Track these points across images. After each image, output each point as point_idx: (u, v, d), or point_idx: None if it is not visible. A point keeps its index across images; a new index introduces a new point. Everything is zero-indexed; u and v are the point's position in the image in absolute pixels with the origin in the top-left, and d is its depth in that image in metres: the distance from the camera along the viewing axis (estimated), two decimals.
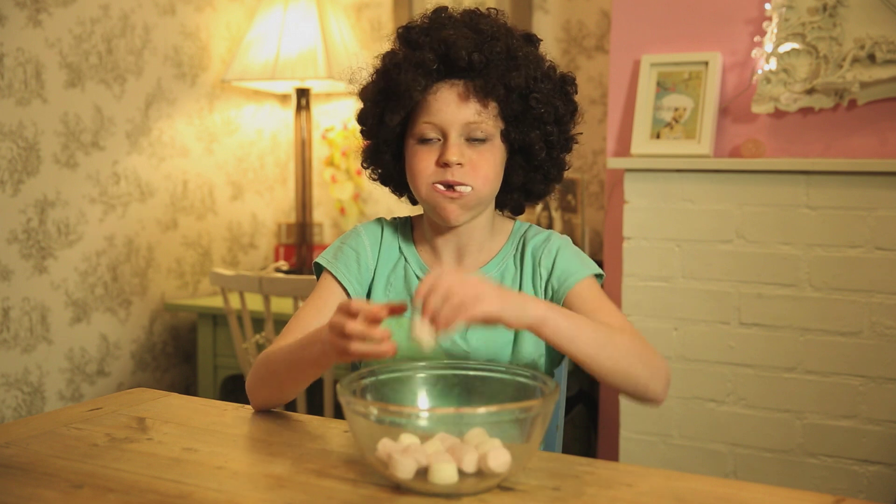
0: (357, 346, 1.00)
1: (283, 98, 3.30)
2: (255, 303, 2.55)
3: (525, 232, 1.30)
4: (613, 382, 1.10)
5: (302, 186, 3.04)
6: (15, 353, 2.37)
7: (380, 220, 1.34)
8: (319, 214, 3.31)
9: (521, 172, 1.25)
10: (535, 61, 1.21)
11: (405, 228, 1.33)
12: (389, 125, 1.21)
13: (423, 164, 1.20)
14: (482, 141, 1.19)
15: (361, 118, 1.27)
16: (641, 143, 2.24)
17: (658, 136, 2.24)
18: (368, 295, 1.30)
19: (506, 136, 1.22)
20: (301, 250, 3.08)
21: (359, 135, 1.31)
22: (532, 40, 1.24)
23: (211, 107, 2.98)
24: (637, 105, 2.27)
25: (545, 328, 1.04)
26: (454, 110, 1.19)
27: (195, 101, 2.92)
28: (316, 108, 3.25)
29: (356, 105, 1.29)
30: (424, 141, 1.20)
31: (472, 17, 1.21)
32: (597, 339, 1.07)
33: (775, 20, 2.14)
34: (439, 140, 1.20)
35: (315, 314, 1.25)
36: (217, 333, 2.73)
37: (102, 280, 2.61)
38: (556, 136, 1.23)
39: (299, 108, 3.01)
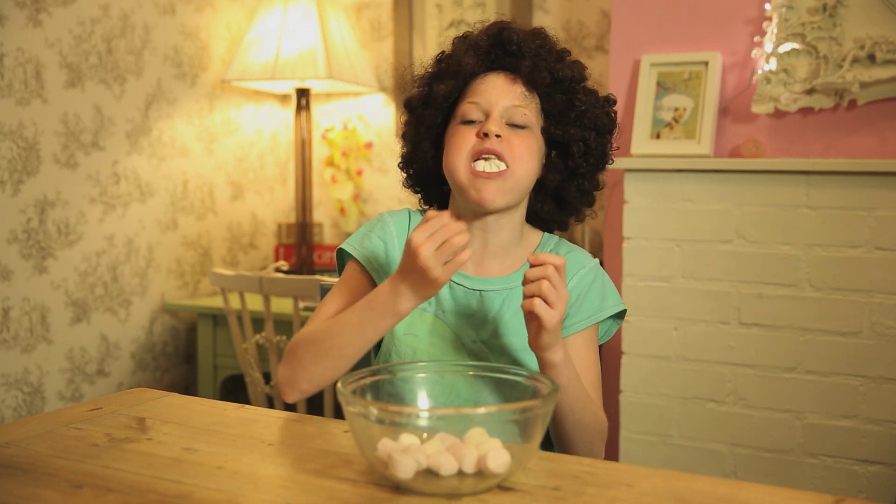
0: (460, 238, 1.05)
1: (283, 98, 3.30)
2: (255, 303, 2.55)
3: (556, 246, 1.31)
4: (557, 435, 1.19)
5: (302, 186, 3.04)
6: (15, 353, 2.37)
7: (407, 211, 1.35)
8: (319, 214, 3.31)
9: (556, 174, 1.26)
10: (581, 72, 1.26)
11: None
12: (436, 96, 1.25)
13: (464, 140, 1.22)
14: (522, 127, 1.22)
15: (408, 102, 1.30)
16: (641, 143, 2.24)
17: (658, 136, 2.24)
18: None
19: (546, 132, 1.25)
20: (301, 250, 3.08)
21: (399, 138, 1.34)
22: (580, 64, 1.28)
23: (211, 107, 2.98)
24: (637, 105, 2.27)
25: (551, 369, 1.11)
26: (500, 92, 1.23)
27: (195, 101, 2.92)
28: (316, 108, 3.25)
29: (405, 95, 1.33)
30: (467, 122, 1.23)
31: (529, 28, 1.28)
32: (573, 406, 1.15)
33: (775, 20, 2.14)
34: (481, 122, 1.23)
35: (343, 302, 1.25)
36: (217, 333, 2.73)
37: (102, 280, 2.61)
38: (594, 143, 1.25)
39: (299, 108, 3.01)
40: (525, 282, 1.07)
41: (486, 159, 1.19)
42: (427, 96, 1.26)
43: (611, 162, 1.30)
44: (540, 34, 1.26)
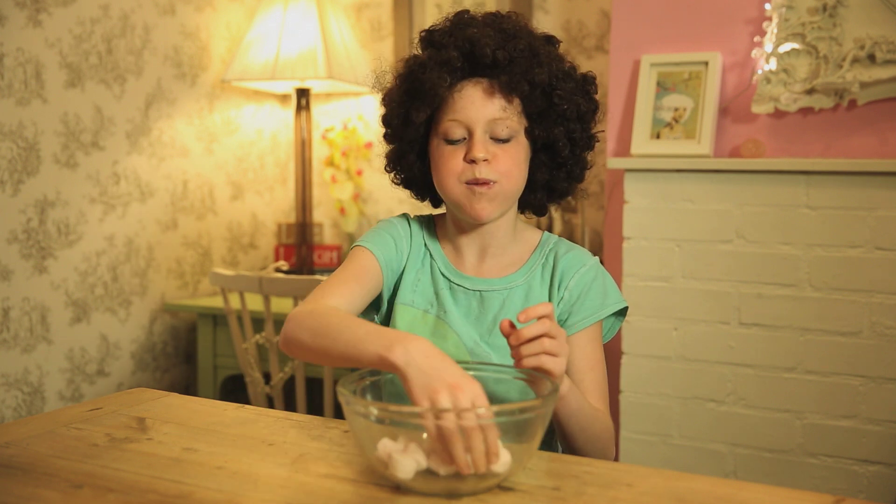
0: (457, 447, 0.88)
1: (283, 98, 3.30)
2: (255, 303, 2.55)
3: (555, 245, 1.30)
4: (570, 450, 1.19)
5: (302, 186, 3.04)
6: (15, 353, 2.37)
7: (405, 216, 1.36)
8: (319, 214, 3.31)
9: (545, 170, 1.26)
10: (557, 60, 1.23)
11: (429, 226, 1.35)
12: (415, 122, 1.22)
13: (452, 163, 1.21)
14: (506, 140, 1.21)
15: (386, 120, 1.28)
16: (641, 143, 2.24)
17: (658, 136, 2.24)
18: (397, 286, 1.30)
19: (529, 134, 1.23)
20: (301, 250, 3.08)
21: (382, 139, 1.32)
22: (552, 41, 1.26)
23: (211, 107, 2.98)
24: (637, 105, 2.27)
25: (560, 401, 1.10)
26: (479, 107, 1.20)
27: (195, 101, 2.92)
28: (316, 108, 3.25)
29: (380, 109, 1.30)
30: (451, 142, 1.22)
31: (494, 18, 1.23)
32: (584, 425, 1.15)
33: (775, 20, 2.14)
34: (465, 139, 1.21)
35: (347, 277, 1.22)
36: (217, 333, 2.73)
37: (102, 280, 2.61)
38: (579, 134, 1.24)
39: (299, 108, 3.01)
40: (519, 341, 1.01)
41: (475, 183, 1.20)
42: (405, 117, 1.24)
43: (597, 140, 1.29)
44: (511, 32, 1.21)
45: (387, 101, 1.28)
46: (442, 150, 1.23)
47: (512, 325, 1.03)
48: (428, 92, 1.20)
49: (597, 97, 1.27)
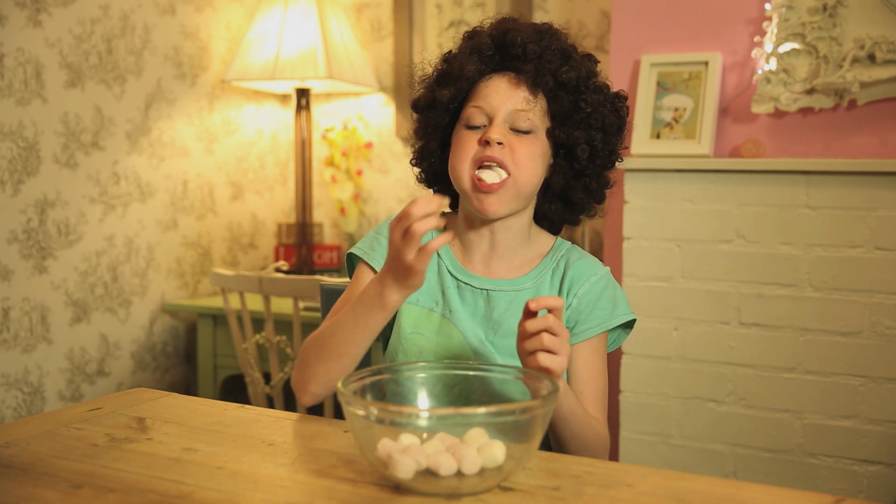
0: (421, 224, 1.00)
1: (283, 98, 3.30)
2: (255, 303, 2.55)
3: (568, 252, 1.30)
4: (558, 449, 1.18)
5: (302, 186, 3.04)
6: (15, 353, 2.37)
7: None
8: (319, 214, 3.31)
9: (562, 176, 1.25)
10: (589, 69, 1.25)
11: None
12: (440, 102, 1.24)
13: (468, 147, 1.21)
14: (526, 132, 1.21)
15: (415, 104, 1.30)
16: (641, 143, 2.24)
17: (658, 136, 2.24)
18: None
19: (551, 135, 1.23)
20: (301, 250, 3.08)
21: (412, 135, 1.33)
22: (591, 59, 1.27)
23: (211, 107, 2.98)
24: (637, 105, 2.27)
25: None
26: (503, 96, 1.21)
27: (195, 101, 2.92)
28: (316, 108, 3.25)
29: (414, 94, 1.33)
30: (471, 127, 1.22)
31: (535, 25, 1.26)
32: (576, 430, 1.15)
33: (775, 20, 2.14)
34: (485, 126, 1.22)
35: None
36: (217, 333, 2.73)
37: (102, 280, 2.61)
38: (601, 144, 1.23)
39: (299, 108, 3.01)
40: (524, 335, 1.04)
41: (488, 167, 1.19)
42: (432, 99, 1.26)
43: (620, 160, 1.29)
44: (546, 32, 1.24)
45: (420, 86, 1.30)
46: (460, 135, 1.23)
47: (531, 312, 1.04)
48: (455, 73, 1.23)
49: (626, 118, 1.27)
